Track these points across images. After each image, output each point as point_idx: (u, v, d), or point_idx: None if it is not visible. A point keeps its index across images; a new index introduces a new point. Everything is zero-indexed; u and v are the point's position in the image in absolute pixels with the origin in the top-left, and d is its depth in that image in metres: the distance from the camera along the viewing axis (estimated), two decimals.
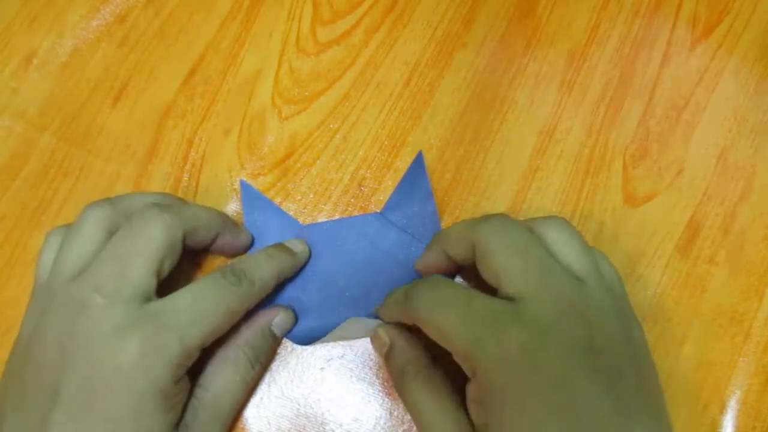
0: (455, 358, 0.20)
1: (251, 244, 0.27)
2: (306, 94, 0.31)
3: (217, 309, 0.22)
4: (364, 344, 0.27)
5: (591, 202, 0.29)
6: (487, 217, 0.22)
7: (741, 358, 0.27)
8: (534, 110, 0.30)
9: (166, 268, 0.22)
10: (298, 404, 0.26)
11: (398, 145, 0.30)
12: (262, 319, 0.25)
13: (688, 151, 0.30)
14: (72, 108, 0.30)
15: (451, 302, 0.20)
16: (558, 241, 0.21)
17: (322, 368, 0.27)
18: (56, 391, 0.20)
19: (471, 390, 0.20)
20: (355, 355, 0.27)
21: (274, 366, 0.27)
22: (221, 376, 0.24)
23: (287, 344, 0.27)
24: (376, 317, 0.26)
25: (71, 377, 0.20)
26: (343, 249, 0.28)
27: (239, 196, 0.29)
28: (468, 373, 0.20)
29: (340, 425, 0.26)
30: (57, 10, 0.32)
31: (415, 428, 0.26)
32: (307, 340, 0.26)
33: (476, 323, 0.19)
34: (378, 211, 0.28)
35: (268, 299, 0.26)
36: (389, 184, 0.29)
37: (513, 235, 0.21)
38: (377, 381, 0.27)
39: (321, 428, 0.26)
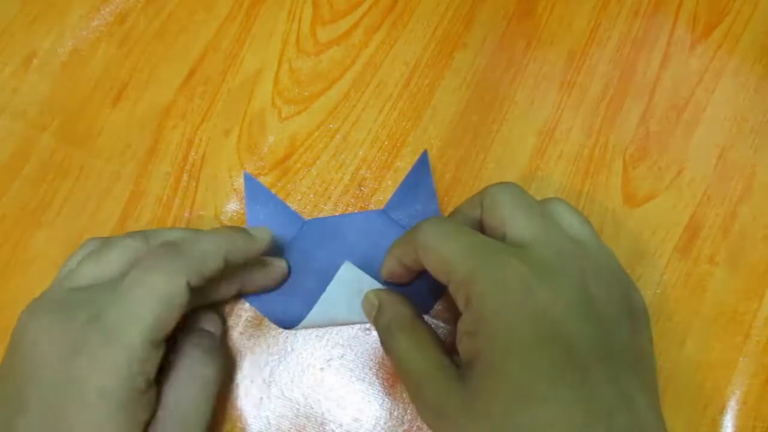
0: (451, 290, 0.20)
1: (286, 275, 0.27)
2: (306, 94, 0.31)
3: (153, 298, 0.20)
4: (364, 344, 0.27)
5: (591, 202, 0.29)
6: (495, 183, 0.23)
7: (741, 358, 0.27)
8: (534, 110, 0.30)
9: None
10: (298, 404, 0.26)
11: (398, 145, 0.30)
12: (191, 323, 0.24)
13: (688, 151, 0.30)
14: (72, 108, 0.30)
15: (456, 234, 0.21)
16: (559, 210, 0.22)
17: (322, 368, 0.27)
18: (20, 400, 0.20)
19: (463, 322, 0.20)
20: (355, 355, 0.27)
21: (274, 366, 0.27)
22: (176, 384, 0.22)
23: (287, 344, 0.27)
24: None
25: (33, 391, 0.20)
26: (344, 244, 0.27)
27: (239, 196, 0.29)
28: (462, 305, 0.20)
29: (340, 425, 0.26)
30: (57, 10, 0.32)
31: (415, 428, 0.26)
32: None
33: (479, 252, 0.20)
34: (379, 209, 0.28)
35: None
36: (389, 184, 0.29)
37: (520, 193, 0.22)
38: (377, 381, 0.27)
39: (321, 428, 0.26)
